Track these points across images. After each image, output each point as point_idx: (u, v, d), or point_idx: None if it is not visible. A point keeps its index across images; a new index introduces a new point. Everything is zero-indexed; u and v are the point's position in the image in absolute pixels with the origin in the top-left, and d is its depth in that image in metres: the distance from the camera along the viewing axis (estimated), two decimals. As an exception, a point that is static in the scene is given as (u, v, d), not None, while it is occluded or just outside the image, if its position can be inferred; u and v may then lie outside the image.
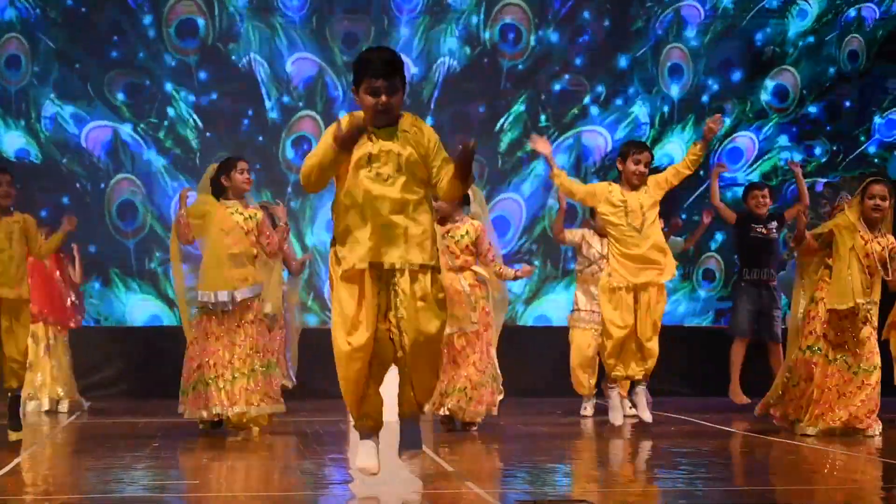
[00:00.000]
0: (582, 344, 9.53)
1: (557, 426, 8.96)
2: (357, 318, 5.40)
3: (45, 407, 10.21)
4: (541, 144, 8.35)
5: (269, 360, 8.23)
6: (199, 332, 8.17)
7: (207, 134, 11.97)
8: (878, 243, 7.89)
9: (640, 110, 12.45)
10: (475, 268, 8.31)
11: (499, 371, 8.42)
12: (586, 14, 12.39)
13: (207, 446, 7.55)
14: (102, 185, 11.84)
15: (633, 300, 8.08)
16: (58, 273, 10.36)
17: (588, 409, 9.62)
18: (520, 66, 12.32)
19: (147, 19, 11.88)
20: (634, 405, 8.25)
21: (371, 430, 5.63)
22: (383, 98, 5.39)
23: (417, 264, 5.40)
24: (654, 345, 8.12)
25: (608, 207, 8.11)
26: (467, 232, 8.28)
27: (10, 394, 8.06)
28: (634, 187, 8.11)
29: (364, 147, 5.41)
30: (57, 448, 7.80)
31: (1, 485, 5.82)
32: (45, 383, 10.23)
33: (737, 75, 12.60)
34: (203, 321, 8.16)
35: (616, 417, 8.18)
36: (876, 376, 7.86)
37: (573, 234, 9.60)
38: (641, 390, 8.24)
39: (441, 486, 5.88)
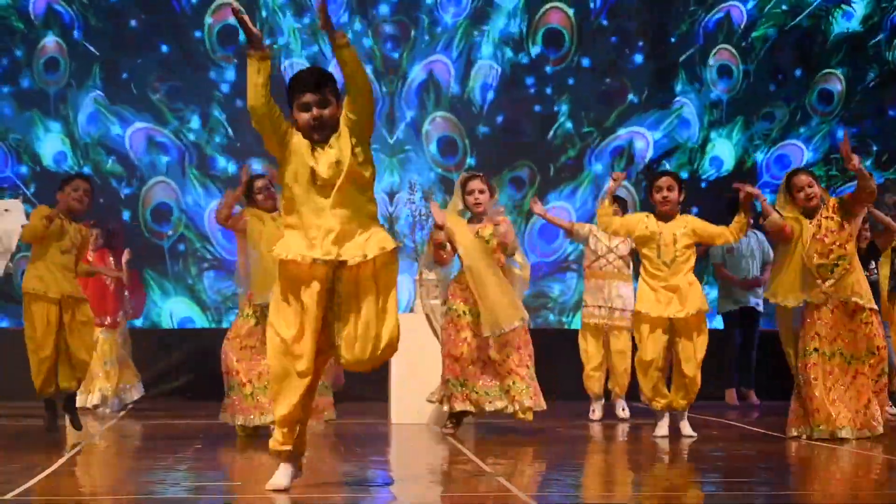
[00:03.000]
0: (591, 344, 9.47)
1: (596, 429, 8.92)
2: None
3: (95, 402, 10.27)
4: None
5: None
6: (237, 339, 8.17)
7: (241, 141, 12.02)
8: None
9: (685, 112, 12.39)
10: (505, 267, 8.26)
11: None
12: (629, 16, 12.36)
13: (248, 447, 7.57)
14: (137, 188, 11.90)
15: (667, 333, 7.99)
16: (102, 265, 10.47)
17: (597, 411, 9.52)
18: (561, 70, 12.30)
19: (191, 24, 11.96)
20: (679, 429, 8.16)
21: None
22: (315, 111, 5.37)
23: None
24: (695, 380, 7.99)
25: (642, 237, 7.99)
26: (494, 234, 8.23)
27: (65, 393, 8.30)
28: (666, 217, 7.98)
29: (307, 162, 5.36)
30: (100, 449, 7.84)
31: (45, 486, 5.85)
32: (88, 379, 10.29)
33: (785, 77, 12.52)
34: (244, 329, 8.16)
35: (658, 432, 8.16)
36: (871, 362, 7.71)
37: (581, 227, 9.54)
38: (685, 418, 8.18)
39: (481, 488, 5.86)
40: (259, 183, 8.27)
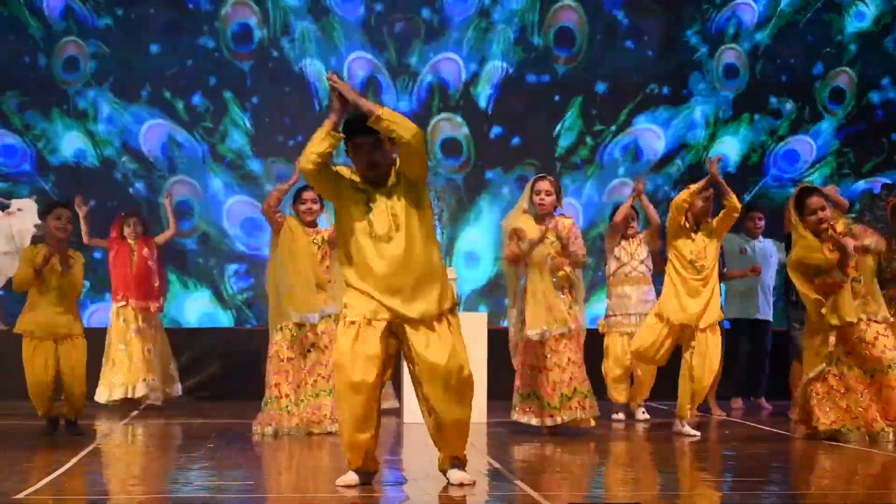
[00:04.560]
0: (618, 352, 9.38)
1: (612, 429, 8.91)
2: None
3: (130, 394, 10.18)
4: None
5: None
6: (277, 350, 8.24)
7: (260, 138, 12.02)
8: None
9: (696, 109, 12.38)
10: (567, 269, 8.29)
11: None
12: (640, 15, 12.36)
13: (262, 447, 7.58)
14: (157, 188, 11.91)
15: (673, 340, 8.16)
16: (145, 250, 10.41)
17: (620, 413, 9.45)
18: (572, 69, 12.29)
19: (204, 21, 11.98)
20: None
21: None
22: (369, 153, 5.51)
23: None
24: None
25: (682, 239, 8.15)
26: (557, 237, 8.27)
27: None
28: (697, 223, 8.15)
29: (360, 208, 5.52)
30: (113, 448, 7.85)
31: (58, 485, 5.87)
32: (129, 369, 10.22)
33: (795, 75, 12.51)
34: (281, 341, 8.22)
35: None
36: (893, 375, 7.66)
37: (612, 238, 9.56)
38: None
39: (495, 487, 5.86)
40: (306, 195, 8.31)
